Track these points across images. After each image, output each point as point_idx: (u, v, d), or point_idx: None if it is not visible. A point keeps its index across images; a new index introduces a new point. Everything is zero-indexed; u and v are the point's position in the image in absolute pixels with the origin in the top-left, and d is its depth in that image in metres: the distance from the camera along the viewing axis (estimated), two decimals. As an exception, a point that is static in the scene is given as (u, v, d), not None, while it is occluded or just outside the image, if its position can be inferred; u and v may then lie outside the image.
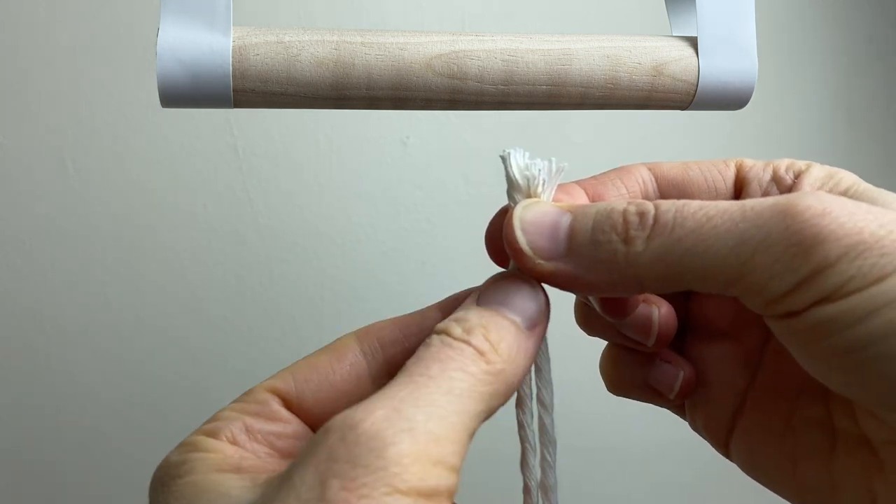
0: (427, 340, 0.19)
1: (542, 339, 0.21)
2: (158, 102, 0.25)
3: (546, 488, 0.23)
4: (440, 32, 0.26)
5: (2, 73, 0.57)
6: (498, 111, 0.27)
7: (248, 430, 0.20)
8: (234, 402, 0.21)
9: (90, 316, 0.60)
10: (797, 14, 0.75)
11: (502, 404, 0.19)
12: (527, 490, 0.23)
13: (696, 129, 0.72)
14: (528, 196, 0.22)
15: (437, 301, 0.24)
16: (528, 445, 0.23)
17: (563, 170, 0.23)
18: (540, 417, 0.23)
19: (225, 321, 0.62)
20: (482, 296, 0.21)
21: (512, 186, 0.23)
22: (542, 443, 0.23)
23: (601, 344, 0.28)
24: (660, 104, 0.28)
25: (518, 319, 0.20)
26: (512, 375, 0.19)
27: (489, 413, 0.18)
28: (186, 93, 0.24)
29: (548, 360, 0.23)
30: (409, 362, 0.18)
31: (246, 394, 0.21)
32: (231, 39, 0.24)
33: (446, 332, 0.19)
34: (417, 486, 0.15)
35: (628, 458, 0.73)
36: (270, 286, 0.63)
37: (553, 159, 0.23)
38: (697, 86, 0.27)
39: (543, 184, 0.22)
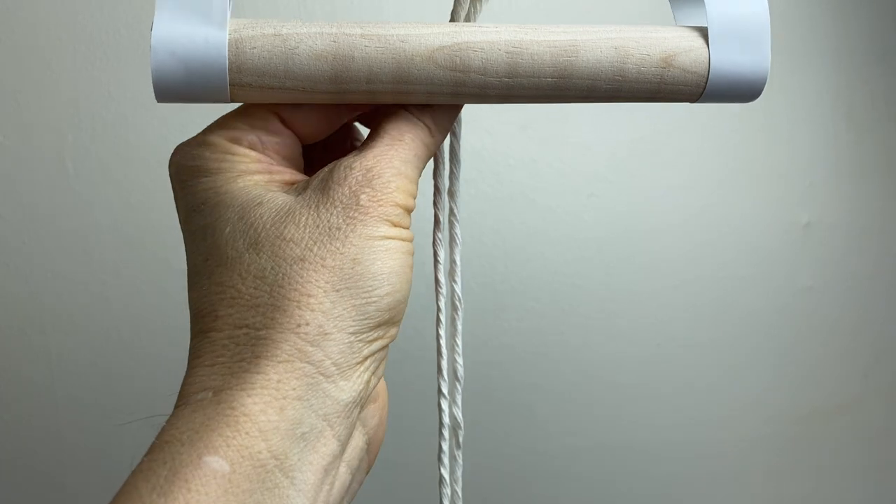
0: (395, 111, 0.27)
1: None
2: (158, 101, 0.24)
3: (452, 193, 0.31)
4: (442, 24, 0.25)
5: (2, 73, 0.57)
6: (501, 104, 0.26)
7: (261, 142, 0.26)
8: (238, 114, 0.26)
9: (90, 316, 0.60)
10: (798, 14, 0.74)
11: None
12: (437, 191, 0.31)
13: (694, 127, 0.71)
14: None
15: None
16: (441, 163, 0.31)
17: None
18: (451, 145, 0.31)
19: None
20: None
21: None
22: (451, 160, 0.31)
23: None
24: (669, 97, 0.27)
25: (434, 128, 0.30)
26: (436, 148, 0.29)
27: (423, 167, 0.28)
28: (182, 87, 0.24)
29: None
30: (389, 126, 0.27)
31: (247, 108, 0.26)
32: (227, 32, 0.24)
33: (407, 110, 0.27)
34: (404, 201, 0.25)
35: (628, 458, 0.73)
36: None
37: None
38: (708, 77, 0.26)
39: None
